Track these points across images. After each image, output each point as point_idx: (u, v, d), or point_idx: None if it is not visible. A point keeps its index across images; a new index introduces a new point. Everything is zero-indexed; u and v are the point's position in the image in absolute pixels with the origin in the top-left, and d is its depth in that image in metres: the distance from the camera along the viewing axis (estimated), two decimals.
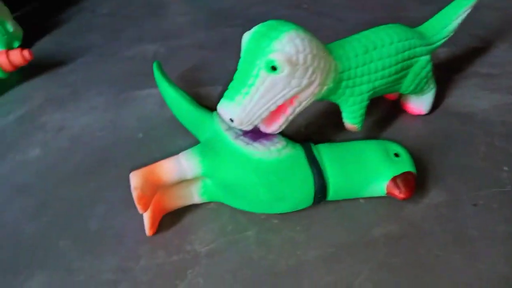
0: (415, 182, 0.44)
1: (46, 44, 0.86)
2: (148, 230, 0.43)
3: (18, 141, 0.59)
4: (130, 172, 0.42)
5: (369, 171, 0.44)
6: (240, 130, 0.45)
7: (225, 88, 0.41)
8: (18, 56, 0.67)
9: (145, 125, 0.60)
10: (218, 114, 0.47)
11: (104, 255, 0.43)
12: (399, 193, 0.43)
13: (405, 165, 0.45)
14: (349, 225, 0.44)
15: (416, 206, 0.46)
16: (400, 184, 0.43)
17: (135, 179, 0.41)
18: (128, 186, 0.41)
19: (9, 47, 0.75)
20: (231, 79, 0.42)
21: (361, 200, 0.47)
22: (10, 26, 0.76)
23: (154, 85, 0.63)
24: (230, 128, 0.46)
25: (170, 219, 0.46)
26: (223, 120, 0.46)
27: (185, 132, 0.56)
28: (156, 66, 0.60)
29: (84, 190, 0.50)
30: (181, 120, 0.57)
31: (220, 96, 0.42)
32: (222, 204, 0.46)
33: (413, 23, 0.55)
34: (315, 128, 0.58)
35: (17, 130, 0.62)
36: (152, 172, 0.42)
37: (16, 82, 0.72)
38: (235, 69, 0.42)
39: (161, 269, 0.41)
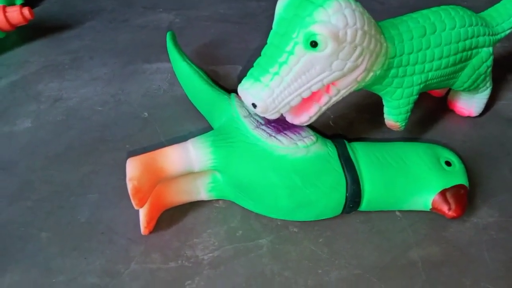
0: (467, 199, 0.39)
1: (51, 3, 0.82)
2: (143, 228, 0.39)
3: (7, 110, 0.56)
4: (129, 157, 0.38)
5: (414, 180, 0.39)
6: (263, 118, 0.40)
7: (246, 68, 0.36)
8: (17, 14, 0.62)
9: (152, 103, 0.57)
10: (237, 97, 0.43)
11: (90, 253, 0.39)
12: (447, 210, 0.39)
13: (458, 177, 0.40)
14: (381, 242, 0.40)
15: (462, 226, 0.41)
16: (451, 200, 0.39)
17: (132, 167, 0.37)
18: (125, 172, 0.38)
19: (10, 3, 0.71)
20: (253, 59, 0.36)
21: (397, 213, 0.42)
22: None
23: (165, 58, 0.59)
24: (250, 115, 0.41)
25: (170, 216, 0.42)
26: (242, 105, 0.42)
27: (197, 114, 0.53)
28: (169, 37, 0.57)
29: (75, 174, 0.47)
30: (193, 101, 0.53)
31: (241, 76, 0.37)
32: (232, 203, 0.43)
33: None
34: (344, 123, 0.53)
35: (8, 97, 0.58)
36: (153, 160, 0.38)
37: (13, 44, 0.69)
38: (260, 48, 0.37)
39: (155, 276, 0.37)
